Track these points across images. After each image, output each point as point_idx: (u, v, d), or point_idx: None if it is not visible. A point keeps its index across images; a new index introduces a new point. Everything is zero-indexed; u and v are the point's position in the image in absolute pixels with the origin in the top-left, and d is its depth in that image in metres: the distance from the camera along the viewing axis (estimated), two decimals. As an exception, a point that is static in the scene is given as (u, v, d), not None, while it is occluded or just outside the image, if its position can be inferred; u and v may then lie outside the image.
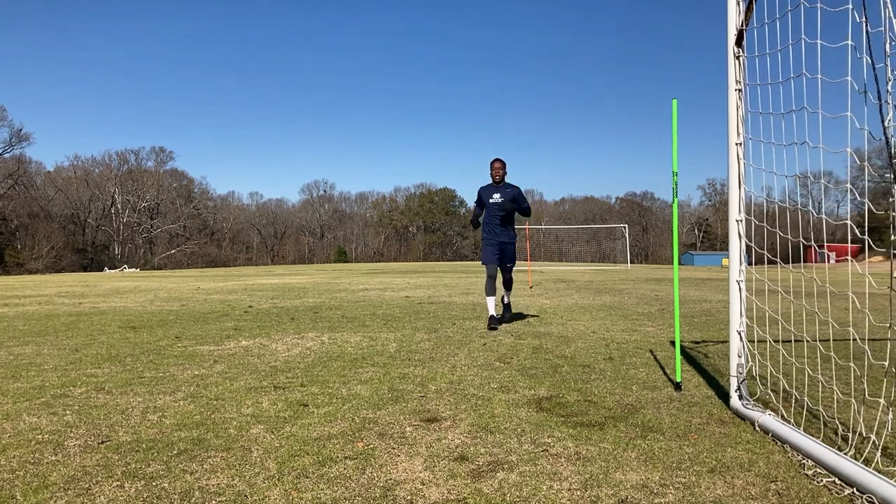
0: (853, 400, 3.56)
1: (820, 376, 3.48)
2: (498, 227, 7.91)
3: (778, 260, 3.56)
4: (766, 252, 3.63)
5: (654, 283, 19.90)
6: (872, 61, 2.60)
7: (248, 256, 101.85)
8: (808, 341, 3.57)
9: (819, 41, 2.97)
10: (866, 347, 2.89)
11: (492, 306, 7.95)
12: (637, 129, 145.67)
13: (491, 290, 7.99)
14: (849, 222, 2.75)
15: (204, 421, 3.69)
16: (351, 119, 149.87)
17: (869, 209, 2.74)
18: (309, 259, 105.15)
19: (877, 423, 3.21)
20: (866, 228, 2.74)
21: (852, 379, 4.21)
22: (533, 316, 9.53)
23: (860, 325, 6.36)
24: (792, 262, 3.56)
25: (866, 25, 2.66)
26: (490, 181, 8.00)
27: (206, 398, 4.25)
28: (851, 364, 3.51)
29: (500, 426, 3.57)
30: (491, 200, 7.89)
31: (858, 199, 2.77)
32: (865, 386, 3.22)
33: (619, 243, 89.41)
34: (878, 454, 2.73)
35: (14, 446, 3.22)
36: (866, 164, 2.71)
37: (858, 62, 2.72)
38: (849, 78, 2.78)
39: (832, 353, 3.50)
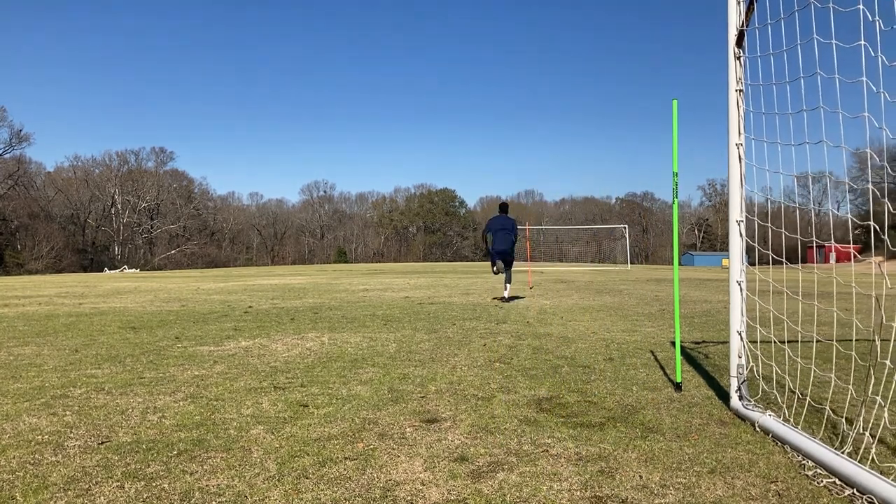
0: (853, 397, 3.56)
1: (832, 375, 3.47)
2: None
3: (768, 259, 3.55)
4: (758, 252, 3.63)
5: (654, 284, 19.90)
6: None
7: (248, 257, 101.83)
8: (817, 340, 3.57)
9: (822, 39, 2.97)
10: (878, 347, 2.89)
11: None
12: (637, 130, 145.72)
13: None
14: (871, 223, 2.73)
15: (204, 421, 3.69)
16: (351, 119, 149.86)
17: (873, 209, 2.74)
18: (309, 259, 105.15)
19: (871, 421, 3.21)
20: (878, 228, 2.74)
21: (871, 380, 4.22)
22: (533, 316, 9.52)
23: (865, 325, 6.35)
24: (792, 263, 3.55)
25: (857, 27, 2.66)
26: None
27: (206, 399, 4.25)
28: (870, 364, 3.51)
29: (500, 427, 3.57)
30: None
31: (879, 198, 2.75)
32: (871, 386, 3.21)
33: (620, 244, 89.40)
34: (873, 453, 2.73)
35: (14, 447, 3.22)
36: (885, 163, 2.71)
37: (859, 63, 2.71)
38: (864, 78, 2.78)
39: (853, 353, 3.50)
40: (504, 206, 12.34)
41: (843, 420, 3.44)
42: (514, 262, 12.18)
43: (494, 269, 11.77)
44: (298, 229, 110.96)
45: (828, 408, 3.51)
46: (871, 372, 3.21)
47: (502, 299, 12.27)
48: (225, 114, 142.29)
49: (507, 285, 12.25)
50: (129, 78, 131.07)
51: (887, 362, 2.57)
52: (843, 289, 12.71)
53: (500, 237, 11.80)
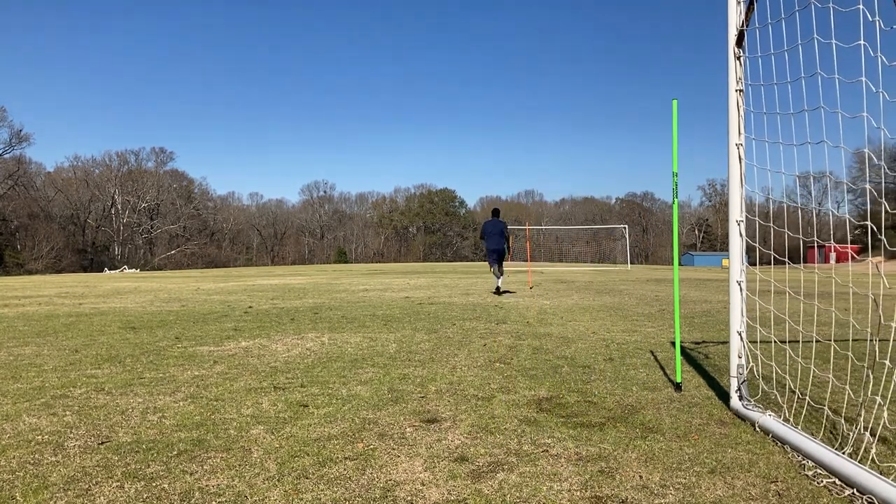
0: (852, 396, 3.56)
1: (830, 376, 3.47)
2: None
3: (768, 259, 3.56)
4: (759, 252, 3.63)
5: (654, 284, 19.90)
6: None
7: (248, 257, 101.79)
8: (817, 340, 3.56)
9: (823, 39, 2.97)
10: (877, 347, 2.89)
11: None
12: (637, 130, 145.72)
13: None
14: (869, 223, 2.73)
15: (204, 422, 3.69)
16: (351, 119, 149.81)
17: (873, 209, 2.74)
18: (309, 260, 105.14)
19: (871, 421, 3.21)
20: (878, 228, 2.74)
21: (870, 380, 4.22)
22: (533, 316, 9.52)
23: (864, 325, 6.36)
24: (792, 263, 3.55)
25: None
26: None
27: (206, 399, 4.25)
28: (869, 364, 3.51)
29: (500, 427, 3.57)
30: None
31: (877, 198, 2.75)
32: (871, 385, 3.21)
33: (620, 244, 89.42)
34: (873, 453, 2.73)
35: (14, 447, 3.22)
36: (883, 163, 2.72)
37: (859, 63, 2.71)
38: (863, 78, 2.78)
39: (850, 354, 3.50)
40: (496, 212, 14.90)
41: (843, 420, 3.44)
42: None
43: (494, 273, 14.26)
44: (298, 229, 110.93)
45: (826, 408, 3.51)
46: (870, 372, 3.22)
47: (497, 291, 14.37)
48: (225, 114, 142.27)
49: (502, 277, 14.44)
50: (129, 78, 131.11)
51: (886, 362, 2.57)
52: (841, 289, 12.70)
53: (495, 239, 14.17)
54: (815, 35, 2.98)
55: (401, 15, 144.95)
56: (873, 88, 2.66)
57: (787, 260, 3.53)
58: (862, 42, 2.71)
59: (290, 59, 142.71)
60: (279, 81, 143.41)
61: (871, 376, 3.33)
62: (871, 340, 3.10)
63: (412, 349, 6.34)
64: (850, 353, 3.35)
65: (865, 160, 2.75)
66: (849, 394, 3.68)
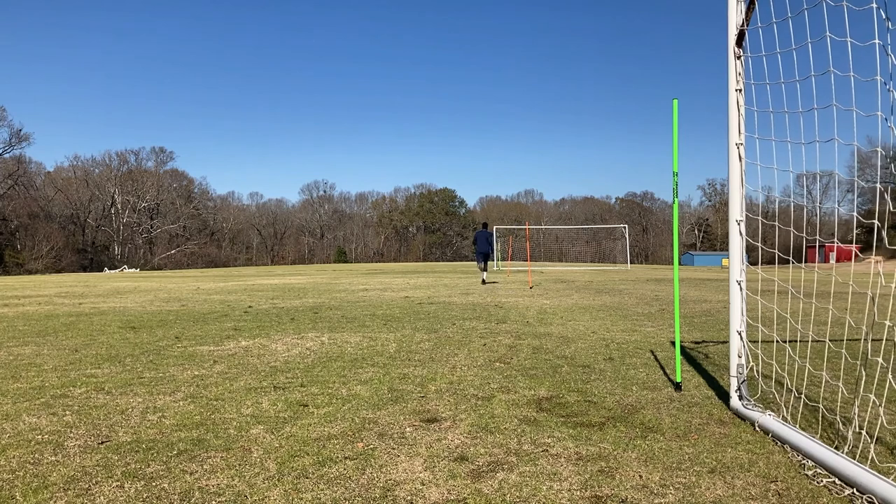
0: (851, 396, 3.55)
1: (824, 374, 3.47)
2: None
3: (768, 258, 3.56)
4: (761, 251, 3.63)
5: (654, 284, 19.90)
6: None
7: (247, 257, 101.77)
8: (814, 340, 3.56)
9: (837, 38, 2.97)
10: (870, 346, 2.89)
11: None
12: (637, 130, 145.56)
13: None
14: (876, 221, 2.73)
15: (204, 421, 3.69)
16: (351, 119, 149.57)
17: (873, 208, 2.74)
18: (309, 259, 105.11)
19: (870, 421, 3.21)
20: (876, 227, 2.74)
21: (866, 379, 4.21)
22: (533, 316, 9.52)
23: (860, 324, 6.35)
24: (792, 262, 3.55)
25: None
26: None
27: (205, 398, 4.25)
28: (862, 363, 3.51)
29: (500, 426, 3.57)
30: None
31: (868, 199, 2.75)
32: (867, 385, 3.21)
33: (619, 243, 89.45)
34: (873, 453, 2.73)
35: (14, 446, 3.22)
36: (879, 163, 2.71)
37: (858, 61, 2.72)
38: (878, 77, 2.78)
39: (843, 351, 3.50)
40: (485, 224, 20.29)
41: (843, 420, 3.44)
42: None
43: (482, 271, 19.21)
44: (298, 229, 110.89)
45: (826, 407, 3.51)
46: (864, 370, 3.22)
47: (483, 282, 19.18)
48: (225, 114, 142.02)
49: (486, 272, 19.42)
50: (129, 78, 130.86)
51: (879, 360, 2.57)
52: (841, 288, 12.72)
53: (483, 245, 19.32)
54: (828, 33, 2.98)
55: (401, 15, 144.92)
56: (878, 86, 2.66)
57: (790, 259, 3.54)
58: (877, 41, 2.71)
59: (289, 58, 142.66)
60: (279, 81, 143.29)
61: (865, 374, 3.33)
62: (864, 339, 3.10)
63: (412, 349, 6.34)
64: (848, 353, 3.35)
65: (881, 157, 2.75)
66: (848, 393, 3.68)
